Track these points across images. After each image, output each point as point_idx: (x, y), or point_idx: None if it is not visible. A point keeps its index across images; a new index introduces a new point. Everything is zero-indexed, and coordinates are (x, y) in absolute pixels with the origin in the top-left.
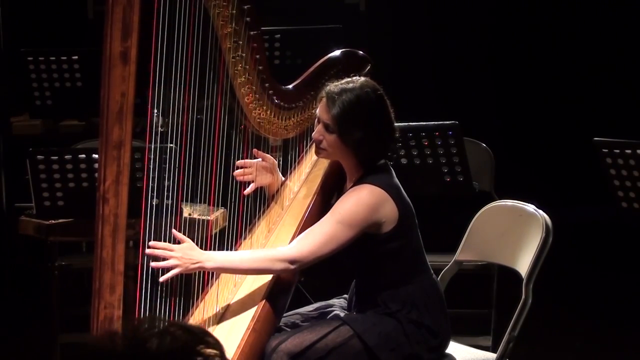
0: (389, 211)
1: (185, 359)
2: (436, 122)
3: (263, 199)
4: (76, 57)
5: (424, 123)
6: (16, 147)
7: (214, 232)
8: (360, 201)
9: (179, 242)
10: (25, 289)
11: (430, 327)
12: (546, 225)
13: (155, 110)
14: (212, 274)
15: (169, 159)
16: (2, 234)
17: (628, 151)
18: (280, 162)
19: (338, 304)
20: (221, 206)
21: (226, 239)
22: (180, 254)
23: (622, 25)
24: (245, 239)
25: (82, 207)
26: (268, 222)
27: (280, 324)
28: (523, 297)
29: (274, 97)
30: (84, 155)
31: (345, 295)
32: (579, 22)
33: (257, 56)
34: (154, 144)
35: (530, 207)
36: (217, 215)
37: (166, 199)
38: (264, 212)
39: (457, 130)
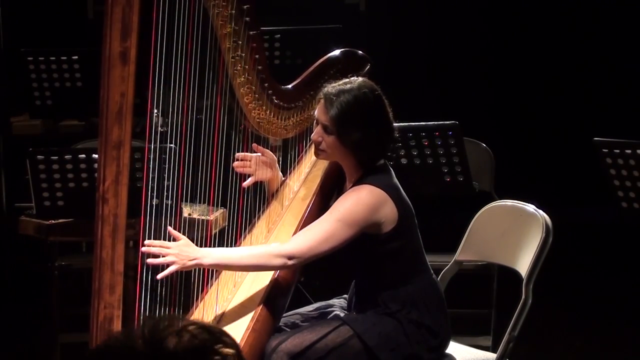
0: (388, 211)
1: (203, 357)
2: (436, 122)
3: (263, 199)
4: (76, 57)
5: (424, 123)
6: (16, 147)
7: (213, 232)
8: (360, 201)
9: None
10: (26, 289)
11: (430, 327)
12: (546, 225)
13: (155, 110)
14: (212, 273)
15: (168, 159)
16: (2, 234)
17: (628, 151)
18: (280, 162)
19: (338, 304)
20: (221, 206)
21: (226, 239)
22: (176, 251)
23: (622, 25)
24: (244, 238)
25: (82, 207)
26: (267, 221)
27: (280, 324)
28: (523, 297)
29: (274, 97)
30: (83, 155)
31: (345, 295)
32: (579, 22)
33: (257, 56)
34: (154, 143)
35: (530, 207)
36: (217, 215)
37: (166, 198)
38: (263, 212)
39: (457, 130)
